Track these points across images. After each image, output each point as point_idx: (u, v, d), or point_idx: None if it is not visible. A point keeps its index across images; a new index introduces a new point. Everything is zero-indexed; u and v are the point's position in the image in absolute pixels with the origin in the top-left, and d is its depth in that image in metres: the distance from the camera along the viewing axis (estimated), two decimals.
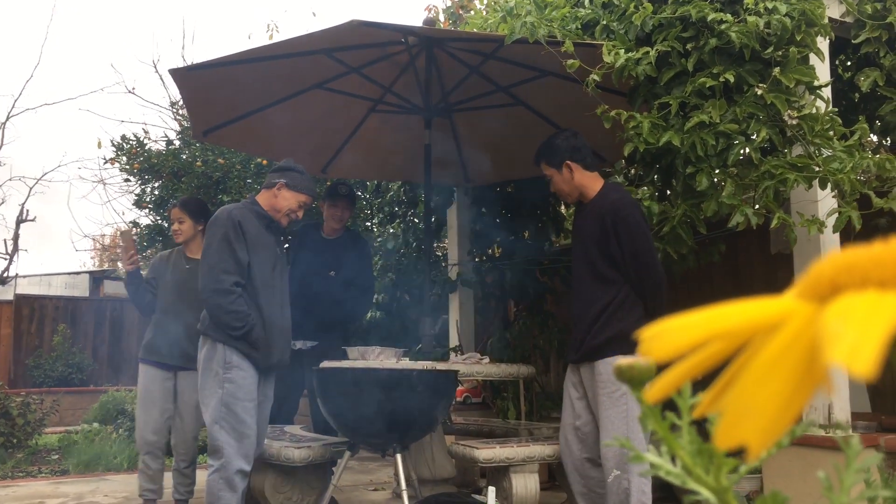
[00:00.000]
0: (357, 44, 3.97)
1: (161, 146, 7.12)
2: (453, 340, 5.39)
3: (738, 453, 0.38)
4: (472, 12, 5.03)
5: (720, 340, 0.28)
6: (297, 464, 3.39)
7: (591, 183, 3.07)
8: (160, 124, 14.90)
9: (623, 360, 0.37)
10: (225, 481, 2.99)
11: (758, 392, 0.26)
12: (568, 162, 3.04)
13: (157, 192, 6.85)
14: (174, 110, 8.26)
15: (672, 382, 0.29)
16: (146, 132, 7.17)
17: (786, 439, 0.35)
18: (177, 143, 7.15)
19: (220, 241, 3.07)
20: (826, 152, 2.96)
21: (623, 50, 3.13)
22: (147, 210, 6.98)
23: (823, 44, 3.21)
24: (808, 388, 0.26)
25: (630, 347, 2.89)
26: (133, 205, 7.07)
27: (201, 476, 3.46)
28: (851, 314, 0.24)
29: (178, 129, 7.37)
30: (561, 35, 3.26)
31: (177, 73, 3.81)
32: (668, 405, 0.38)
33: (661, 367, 0.39)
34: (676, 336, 0.27)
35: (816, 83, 3.06)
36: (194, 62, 3.84)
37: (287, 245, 4.79)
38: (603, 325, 2.92)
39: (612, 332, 2.90)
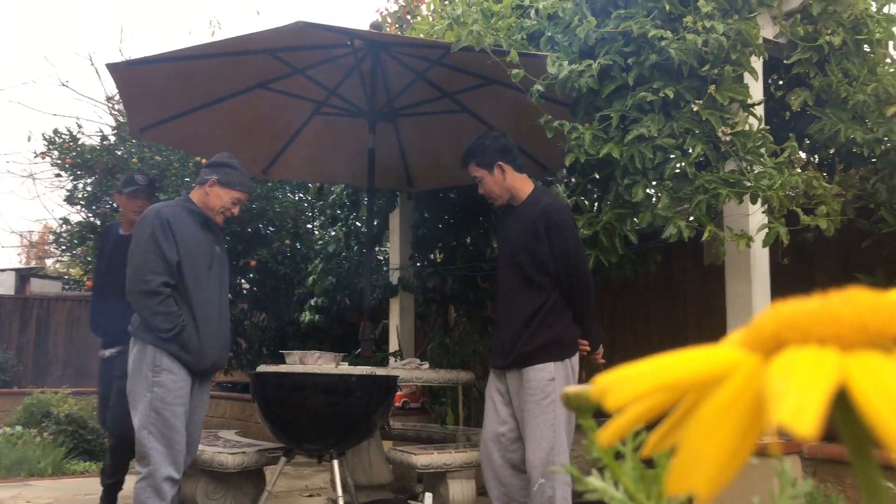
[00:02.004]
0: (302, 45, 3.93)
1: (95, 141, 6.91)
2: (393, 345, 5.38)
3: None
4: (419, 18, 5.05)
5: (666, 391, 0.29)
6: (230, 469, 3.34)
7: (522, 185, 3.03)
8: (95, 119, 14.46)
9: (571, 388, 0.37)
10: (153, 489, 2.90)
11: (705, 443, 0.27)
12: (500, 163, 2.98)
13: (89, 189, 6.65)
14: (110, 105, 8.04)
15: (621, 428, 0.31)
16: (80, 126, 6.96)
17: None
18: (112, 138, 6.96)
19: (147, 240, 2.97)
20: (757, 169, 3.07)
21: (567, 62, 3.18)
22: (79, 206, 6.76)
23: (757, 63, 3.32)
24: (752, 437, 0.27)
25: (560, 353, 2.90)
26: (64, 201, 6.85)
27: (128, 482, 3.36)
28: (794, 373, 0.25)
29: (113, 124, 7.17)
30: (506, 45, 3.30)
31: (114, 68, 3.71)
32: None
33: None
34: (627, 386, 0.28)
35: (750, 101, 3.17)
36: (133, 57, 3.73)
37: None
38: (534, 332, 2.88)
39: (543, 339, 2.87)
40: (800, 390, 0.24)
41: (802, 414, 0.24)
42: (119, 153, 6.55)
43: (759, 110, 3.27)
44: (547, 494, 2.82)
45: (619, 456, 0.37)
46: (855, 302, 0.28)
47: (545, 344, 2.86)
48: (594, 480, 0.38)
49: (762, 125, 3.22)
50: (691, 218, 3.09)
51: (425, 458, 3.31)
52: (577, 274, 2.87)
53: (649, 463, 0.39)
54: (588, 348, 3.04)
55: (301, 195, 7.30)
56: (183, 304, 3.01)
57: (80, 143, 6.71)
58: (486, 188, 3.04)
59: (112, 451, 3.87)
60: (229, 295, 3.72)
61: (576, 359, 2.95)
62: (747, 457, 0.27)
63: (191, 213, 3.13)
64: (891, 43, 3.68)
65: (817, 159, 4.16)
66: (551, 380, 2.84)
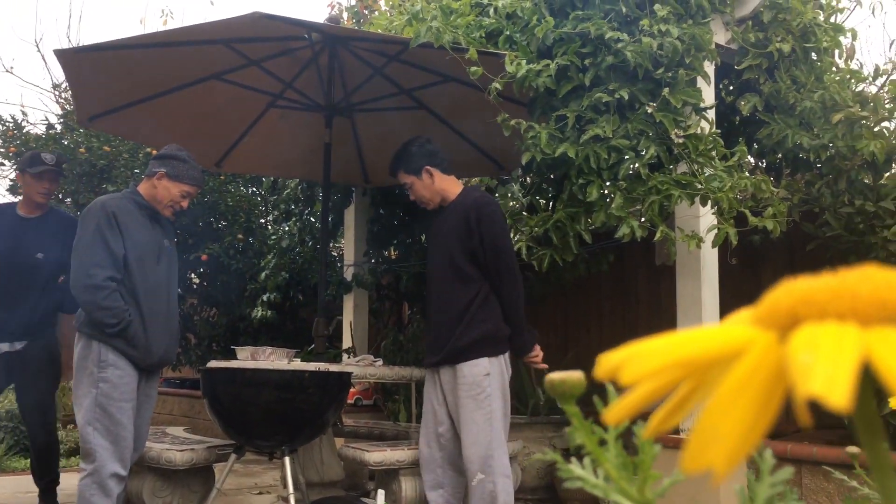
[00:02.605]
0: (259, 36, 3.88)
1: (41, 130, 6.71)
2: (347, 342, 5.35)
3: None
4: (377, 13, 5.02)
5: (680, 368, 0.29)
6: (178, 467, 3.27)
7: (451, 187, 3.09)
8: (41, 107, 14.03)
9: (555, 374, 0.37)
10: (98, 486, 2.84)
11: (722, 419, 0.27)
12: (427, 167, 3.05)
13: None
14: (56, 93, 7.81)
15: (633, 406, 0.31)
16: (24, 114, 6.74)
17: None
18: (58, 127, 6.76)
19: (92, 233, 2.90)
20: (708, 171, 3.13)
21: (525, 61, 3.20)
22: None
23: (710, 68, 3.39)
24: (769, 413, 0.27)
25: (494, 349, 2.92)
26: (7, 190, 6.63)
27: (73, 480, 3.27)
28: (820, 346, 0.25)
29: (60, 112, 6.96)
30: (465, 42, 3.30)
31: (62, 55, 3.60)
32: (595, 419, 0.39)
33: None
34: (641, 362, 0.28)
35: (702, 105, 3.24)
36: (81, 44, 3.63)
37: None
38: (466, 327, 2.88)
39: (476, 333, 2.87)
40: (829, 362, 0.24)
41: (835, 385, 0.24)
42: (66, 143, 6.37)
43: (711, 114, 3.34)
44: (488, 489, 2.84)
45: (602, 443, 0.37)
46: (871, 279, 0.28)
47: (479, 339, 2.87)
48: (575, 467, 0.38)
49: (713, 129, 3.29)
50: (644, 219, 3.14)
51: (378, 455, 3.30)
52: (505, 265, 2.90)
53: (631, 450, 0.39)
54: (538, 359, 3.06)
55: (254, 189, 7.20)
56: (130, 298, 2.95)
57: (24, 131, 6.50)
58: (417, 193, 3.10)
59: (32, 449, 3.77)
60: (178, 290, 3.64)
61: (508, 355, 2.97)
62: (764, 432, 0.27)
63: (138, 206, 3.06)
64: (836, 52, 3.80)
65: (765, 163, 4.27)
66: (486, 375, 2.86)
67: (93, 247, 2.89)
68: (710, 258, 3.46)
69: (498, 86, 3.18)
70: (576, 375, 0.38)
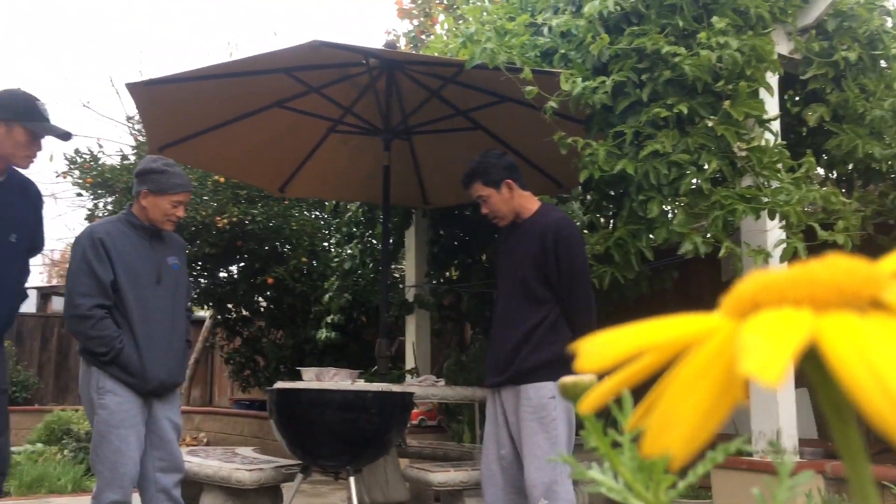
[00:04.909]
0: (318, 64, 3.97)
1: (115, 161, 7.01)
2: (409, 363, 5.38)
3: (683, 473, 0.39)
4: (433, 37, 5.09)
5: (651, 353, 0.29)
6: (248, 486, 3.34)
7: (528, 203, 2.99)
8: (115, 139, 14.67)
9: (568, 378, 0.38)
10: None
11: (681, 403, 0.27)
12: (507, 180, 2.94)
13: (110, 208, 6.73)
14: (130, 125, 8.15)
15: (605, 393, 0.31)
16: (100, 146, 7.06)
17: (720, 457, 0.36)
18: (132, 158, 7.04)
19: (78, 262, 2.85)
20: (774, 184, 3.05)
21: (580, 78, 3.19)
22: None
23: (773, 79, 3.31)
24: (727, 400, 0.27)
25: (560, 373, 2.84)
26: (85, 219, 6.93)
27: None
28: (764, 329, 0.26)
29: (133, 143, 7.27)
30: (520, 62, 3.31)
31: (134, 88, 3.76)
32: (612, 423, 0.39)
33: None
34: (609, 348, 0.29)
35: (765, 117, 3.16)
36: (152, 77, 3.79)
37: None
38: (534, 348, 2.82)
39: (544, 356, 2.81)
40: (768, 343, 0.25)
41: (769, 365, 0.24)
42: None
43: (775, 126, 3.26)
44: None
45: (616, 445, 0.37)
46: (832, 266, 0.28)
47: (546, 362, 2.79)
48: (594, 472, 0.38)
49: (778, 140, 3.21)
50: (708, 234, 3.08)
51: (442, 476, 3.30)
52: (581, 289, 2.83)
53: None
54: None
55: (317, 213, 7.35)
56: (123, 322, 2.87)
57: (100, 162, 6.80)
58: (493, 207, 2.98)
59: None
60: (192, 308, 3.54)
61: None
62: (722, 419, 0.27)
63: (133, 228, 2.99)
64: None
65: (835, 175, 4.13)
66: (552, 398, 2.80)
67: (79, 275, 2.84)
68: None
69: (553, 104, 3.18)
70: (587, 379, 0.38)
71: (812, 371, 0.27)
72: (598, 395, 0.31)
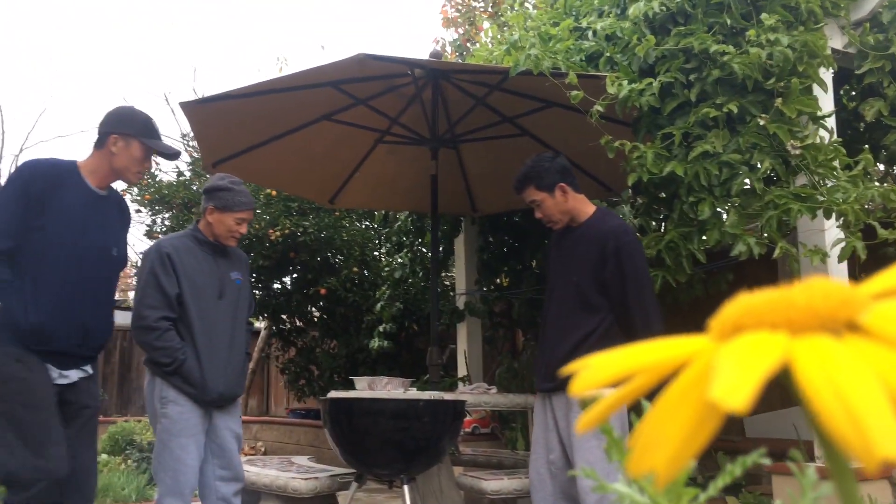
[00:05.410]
0: (364, 76, 4.02)
1: (172, 177, 7.20)
2: (461, 370, 5.38)
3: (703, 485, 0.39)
4: (478, 45, 5.10)
5: (642, 374, 0.30)
6: (303, 495, 3.38)
7: (583, 206, 2.93)
8: None
9: (587, 392, 0.38)
10: None
11: (665, 424, 0.28)
12: (561, 184, 2.88)
13: (167, 223, 6.92)
14: (185, 142, 8.37)
15: (601, 412, 0.31)
16: (157, 164, 7.26)
17: (738, 471, 0.36)
18: (187, 174, 7.23)
19: (146, 275, 2.96)
20: (830, 182, 2.97)
21: (626, 81, 3.16)
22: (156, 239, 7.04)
23: (826, 74, 3.23)
24: (710, 422, 0.27)
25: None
26: (144, 235, 7.14)
27: None
28: (735, 354, 0.26)
29: (188, 160, 7.46)
30: (565, 67, 3.30)
31: (187, 106, 3.87)
32: None
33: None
34: (602, 370, 0.29)
35: (819, 113, 3.08)
36: (205, 95, 3.89)
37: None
38: (586, 354, 2.79)
39: None
40: (737, 369, 0.25)
41: (735, 390, 0.24)
42: (195, 188, 6.81)
43: (831, 122, 3.17)
44: None
45: None
46: (810, 289, 0.28)
47: None
48: (620, 486, 0.39)
49: (834, 137, 3.13)
50: (765, 234, 3.01)
51: (496, 484, 3.29)
52: (642, 296, 2.76)
53: None
54: None
55: (367, 223, 7.42)
56: (186, 335, 2.97)
57: (157, 179, 7.00)
58: (547, 211, 2.93)
59: None
60: (256, 324, 3.63)
61: None
62: (706, 440, 0.27)
63: (199, 243, 3.09)
64: None
65: (895, 171, 4.00)
66: None
67: (146, 288, 2.95)
68: (838, 273, 3.27)
69: (600, 108, 3.15)
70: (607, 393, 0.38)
71: (797, 391, 0.28)
72: (594, 415, 0.32)
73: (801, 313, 0.27)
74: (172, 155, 2.94)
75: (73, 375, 2.70)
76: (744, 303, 0.29)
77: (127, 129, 2.81)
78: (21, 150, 11.00)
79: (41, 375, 2.59)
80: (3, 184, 2.57)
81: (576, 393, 0.30)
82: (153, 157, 2.96)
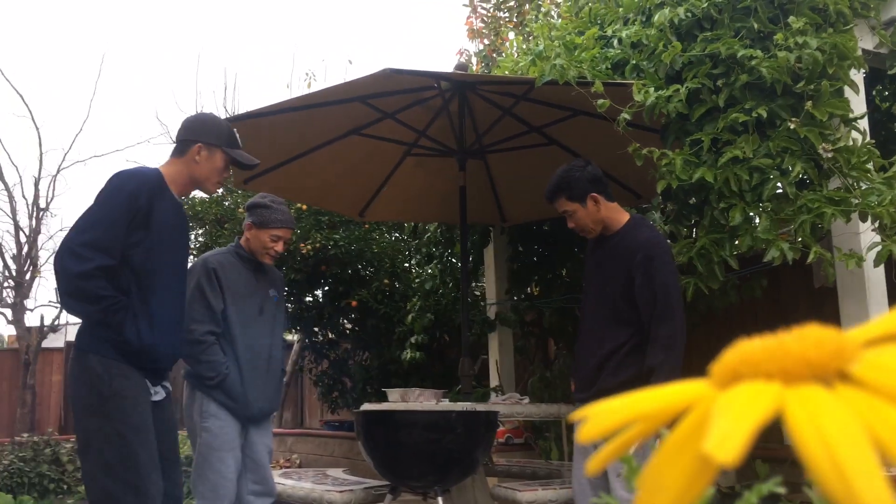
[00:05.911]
0: (391, 90, 4.06)
1: (204, 194, 7.30)
2: (493, 380, 5.37)
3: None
4: (504, 55, 5.12)
5: (643, 422, 0.31)
6: None
7: (616, 215, 2.88)
8: None
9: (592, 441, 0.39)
10: None
11: (665, 472, 0.29)
12: (593, 194, 2.84)
13: (200, 240, 7.02)
14: None
15: (605, 457, 0.33)
16: None
17: (754, 499, 0.37)
18: (220, 190, 7.34)
19: (192, 290, 2.99)
20: (864, 185, 2.93)
21: (653, 88, 3.15)
22: (192, 257, 7.14)
23: (858, 76, 3.19)
24: (707, 473, 0.28)
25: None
26: None
27: None
28: (730, 405, 0.27)
29: None
30: (591, 75, 3.30)
31: None
32: None
33: None
34: (605, 418, 0.30)
35: (851, 115, 3.04)
36: (235, 112, 3.95)
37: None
38: (617, 367, 2.75)
39: (626, 375, 2.73)
40: (729, 421, 0.26)
41: (725, 443, 0.25)
42: (227, 204, 6.91)
43: (863, 124, 3.13)
44: None
45: None
46: (804, 338, 0.29)
47: (627, 380, 2.70)
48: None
49: (867, 139, 3.08)
50: (799, 239, 2.97)
51: (530, 495, 3.28)
52: (670, 311, 2.69)
53: None
54: None
55: (397, 235, 7.46)
56: (229, 350, 3.01)
57: (190, 196, 7.10)
58: (579, 222, 2.89)
59: None
60: (289, 337, 3.67)
61: None
62: (706, 486, 0.28)
63: (241, 259, 3.14)
64: None
65: None
66: None
67: (193, 303, 2.97)
68: (875, 278, 3.21)
69: (627, 115, 3.14)
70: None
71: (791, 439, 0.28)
72: (600, 460, 0.33)
73: (794, 363, 0.28)
74: (251, 166, 2.85)
75: (161, 392, 2.58)
76: (742, 351, 0.30)
77: (212, 139, 2.68)
78: (58, 171, 11.23)
79: (145, 395, 2.47)
80: (102, 197, 2.44)
81: (582, 442, 0.31)
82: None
